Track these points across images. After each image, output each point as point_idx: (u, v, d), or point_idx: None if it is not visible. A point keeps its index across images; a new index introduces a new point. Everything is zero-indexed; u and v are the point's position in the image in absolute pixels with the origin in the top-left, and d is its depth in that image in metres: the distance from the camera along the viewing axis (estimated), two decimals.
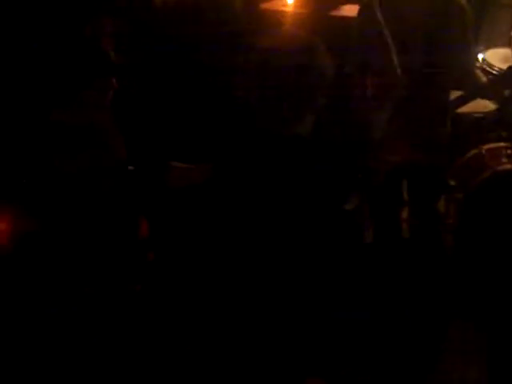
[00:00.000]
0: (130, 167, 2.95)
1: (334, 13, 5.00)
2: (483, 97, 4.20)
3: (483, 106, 4.61)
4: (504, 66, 4.43)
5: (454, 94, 3.88)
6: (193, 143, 3.11)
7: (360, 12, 3.64)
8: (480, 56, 4.68)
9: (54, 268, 2.89)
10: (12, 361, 2.97)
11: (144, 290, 2.94)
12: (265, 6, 5.29)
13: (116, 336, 2.92)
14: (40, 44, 3.40)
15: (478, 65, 4.56)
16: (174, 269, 2.96)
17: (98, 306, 2.84)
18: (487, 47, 4.75)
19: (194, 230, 2.92)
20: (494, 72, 4.59)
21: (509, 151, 4.21)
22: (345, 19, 4.74)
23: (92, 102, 2.91)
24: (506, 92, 4.26)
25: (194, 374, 2.43)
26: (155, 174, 2.95)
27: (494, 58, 4.52)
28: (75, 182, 2.85)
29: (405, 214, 4.03)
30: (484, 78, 4.10)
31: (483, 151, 4.28)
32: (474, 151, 4.31)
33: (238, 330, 2.37)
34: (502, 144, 4.29)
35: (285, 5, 5.16)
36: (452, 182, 4.27)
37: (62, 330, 2.91)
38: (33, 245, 2.94)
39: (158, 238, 2.99)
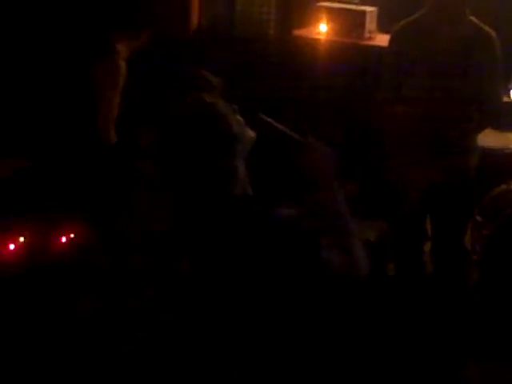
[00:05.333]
0: None
1: (366, 42, 4.99)
2: None
3: None
4: None
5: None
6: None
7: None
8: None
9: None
10: None
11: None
12: (298, 32, 5.30)
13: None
14: None
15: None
16: None
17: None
18: None
19: None
20: None
21: None
22: (376, 48, 4.74)
23: None
24: None
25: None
26: None
27: None
28: None
29: (427, 249, 3.96)
30: None
31: None
32: (502, 187, 4.23)
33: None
34: None
35: (318, 33, 5.16)
36: (479, 218, 4.19)
37: None
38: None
39: None
